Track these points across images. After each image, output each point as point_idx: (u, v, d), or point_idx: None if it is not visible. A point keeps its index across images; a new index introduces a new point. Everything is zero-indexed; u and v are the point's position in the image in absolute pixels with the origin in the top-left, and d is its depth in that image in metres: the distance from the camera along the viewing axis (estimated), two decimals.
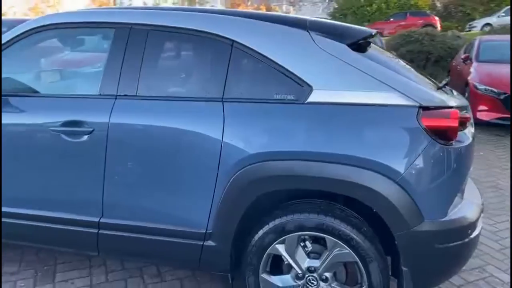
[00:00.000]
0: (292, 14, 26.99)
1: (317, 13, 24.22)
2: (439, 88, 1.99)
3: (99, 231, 2.06)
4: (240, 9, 22.01)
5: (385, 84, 1.78)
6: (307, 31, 1.91)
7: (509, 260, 2.64)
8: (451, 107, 1.78)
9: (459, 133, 1.81)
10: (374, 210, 1.75)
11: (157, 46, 2.01)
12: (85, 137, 1.97)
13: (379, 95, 1.77)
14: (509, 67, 6.04)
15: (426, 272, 1.82)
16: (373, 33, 2.03)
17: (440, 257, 1.77)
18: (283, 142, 1.80)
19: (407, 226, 1.71)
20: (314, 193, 1.84)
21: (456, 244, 1.77)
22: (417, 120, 1.71)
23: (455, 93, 2.15)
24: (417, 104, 1.74)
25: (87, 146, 1.98)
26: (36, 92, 2.22)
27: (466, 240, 1.80)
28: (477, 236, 1.88)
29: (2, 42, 2.15)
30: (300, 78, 1.82)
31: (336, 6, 21.88)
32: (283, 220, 1.84)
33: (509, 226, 3.07)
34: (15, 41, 2.15)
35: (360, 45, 1.95)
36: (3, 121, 2.06)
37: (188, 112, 1.91)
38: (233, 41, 1.90)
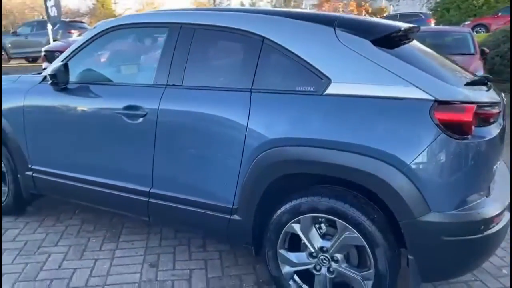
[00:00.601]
0: (389, 9, 26.00)
1: (415, 8, 22.98)
2: (469, 84, 1.97)
3: (149, 200, 2.43)
4: (327, 5, 21.79)
5: (402, 79, 1.85)
6: (333, 28, 2.04)
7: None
8: (469, 102, 1.78)
9: (479, 128, 1.81)
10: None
11: (200, 42, 2.30)
12: (140, 120, 2.34)
13: (395, 89, 1.85)
14: None
15: (433, 263, 1.85)
16: (401, 29, 2.08)
17: (447, 249, 1.79)
18: (300, 129, 1.97)
19: (412, 215, 1.77)
20: (329, 178, 1.98)
21: (465, 238, 1.78)
22: (429, 113, 1.76)
23: (491, 88, 2.09)
24: (433, 98, 1.78)
25: (141, 127, 2.35)
26: (108, 80, 2.66)
27: (478, 236, 1.79)
28: (496, 233, 1.85)
29: (86, 39, 2.64)
30: (320, 71, 1.97)
31: (438, 0, 20.47)
32: (299, 201, 2.01)
33: None
34: (94, 39, 2.62)
35: (387, 40, 2.02)
36: (85, 104, 2.55)
37: (221, 101, 2.17)
38: (263, 37, 2.12)
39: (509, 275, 2.42)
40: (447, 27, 12.64)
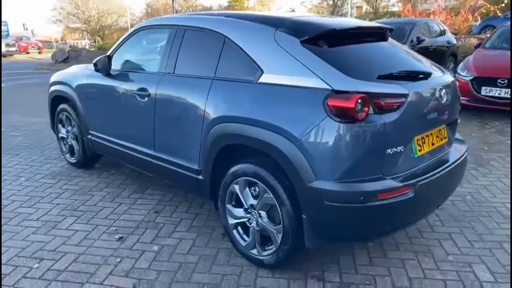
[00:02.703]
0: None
1: None
2: (381, 77, 2.27)
3: (152, 160, 3.20)
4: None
5: (312, 72, 2.25)
6: (276, 28, 2.50)
7: None
8: (359, 92, 2.11)
9: (375, 115, 2.12)
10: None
11: (188, 40, 2.94)
12: (146, 99, 3.11)
13: (305, 80, 2.25)
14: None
15: (321, 224, 2.24)
16: (335, 29, 2.43)
17: (329, 212, 2.15)
18: (237, 110, 2.50)
19: (303, 181, 2.19)
20: (256, 149, 2.46)
21: (344, 205, 2.13)
22: (323, 100, 2.14)
23: (402, 82, 2.30)
24: (330, 88, 2.16)
25: (146, 105, 3.11)
26: (133, 68, 3.48)
27: (358, 205, 2.12)
28: (382, 206, 2.14)
29: (124, 37, 3.51)
30: (257, 64, 2.47)
31: None
32: (237, 167, 2.55)
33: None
34: (129, 37, 3.48)
35: (319, 39, 2.41)
36: (117, 86, 3.42)
37: (194, 86, 2.80)
38: (225, 36, 2.68)
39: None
40: None
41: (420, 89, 2.38)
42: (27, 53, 31.17)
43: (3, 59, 24.47)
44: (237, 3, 44.26)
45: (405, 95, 2.23)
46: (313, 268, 2.57)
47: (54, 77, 4.43)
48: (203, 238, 2.95)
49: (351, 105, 2.08)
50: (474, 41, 11.23)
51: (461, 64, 6.85)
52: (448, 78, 2.74)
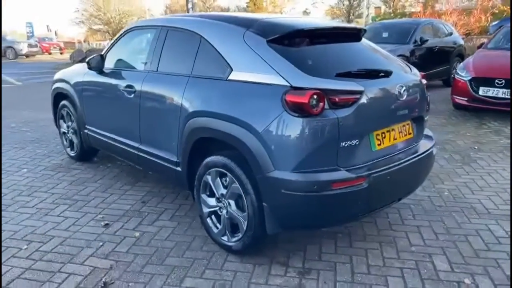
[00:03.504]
0: None
1: None
2: (339, 75, 2.41)
3: (138, 153, 3.40)
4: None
5: (274, 69, 2.40)
6: (246, 29, 2.67)
7: None
8: (314, 89, 2.25)
9: (331, 110, 2.27)
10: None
11: (169, 39, 3.14)
12: (132, 95, 3.31)
13: (268, 77, 2.41)
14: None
15: (280, 211, 2.39)
16: (298, 29, 2.58)
17: (286, 200, 2.30)
18: (208, 105, 2.68)
19: (262, 171, 2.35)
20: (225, 142, 2.63)
21: (299, 194, 2.27)
22: (281, 95, 2.30)
23: (360, 80, 2.43)
24: (289, 85, 2.31)
25: (133, 100, 3.32)
26: (123, 67, 3.69)
27: (312, 194, 2.26)
28: (336, 196, 2.28)
29: (115, 38, 3.73)
30: (227, 62, 2.64)
31: None
32: (209, 159, 2.73)
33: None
34: (120, 38, 3.70)
35: (284, 38, 2.56)
36: (108, 83, 3.64)
37: (173, 82, 2.98)
38: (201, 36, 2.86)
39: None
40: None
41: (378, 86, 2.51)
42: (49, 53, 32.05)
43: (25, 59, 25.34)
44: (255, 4, 44.56)
45: (360, 92, 2.37)
46: (279, 254, 2.73)
47: (56, 75, 4.70)
48: (183, 227, 3.13)
49: (305, 100, 2.23)
50: (485, 41, 11.13)
51: (460, 64, 6.87)
52: (413, 77, 2.86)
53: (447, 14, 14.89)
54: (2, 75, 14.78)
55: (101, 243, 2.89)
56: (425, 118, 2.97)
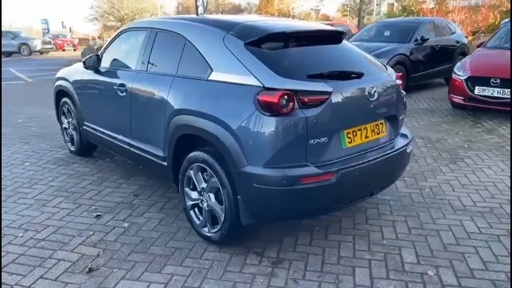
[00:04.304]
0: None
1: None
2: (310, 76, 2.55)
3: (130, 149, 3.59)
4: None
5: (249, 71, 2.55)
6: (227, 32, 2.82)
7: None
8: (285, 89, 2.40)
9: (301, 109, 2.41)
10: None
11: (158, 41, 3.31)
12: (124, 93, 3.50)
13: (243, 78, 2.56)
14: None
15: (254, 204, 2.55)
16: (274, 32, 2.73)
17: (258, 194, 2.46)
18: (189, 103, 2.84)
19: (237, 166, 2.51)
20: (203, 139, 2.79)
21: (269, 188, 2.43)
22: (254, 95, 2.45)
23: (330, 81, 2.56)
24: (262, 85, 2.46)
25: (124, 98, 3.50)
26: (117, 66, 3.87)
27: (282, 188, 2.41)
28: (305, 190, 2.42)
29: (111, 38, 3.91)
30: (208, 63, 2.80)
31: None
32: (191, 154, 2.90)
33: None
34: (115, 38, 3.88)
35: (261, 41, 2.71)
36: (103, 81, 3.83)
37: (159, 82, 3.16)
38: (185, 38, 3.02)
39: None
40: None
41: (348, 87, 2.64)
42: (63, 50, 32.62)
43: (39, 55, 25.84)
44: (268, 1, 44.61)
45: (328, 93, 2.50)
46: (256, 245, 2.88)
47: (58, 73, 4.91)
48: (170, 218, 3.31)
49: (275, 100, 2.38)
50: (485, 40, 11.08)
51: (458, 64, 6.92)
52: (387, 77, 2.98)
53: (454, 12, 14.83)
54: (14, 71, 15.21)
55: (91, 233, 3.09)
56: (400, 117, 3.09)
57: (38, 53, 26.58)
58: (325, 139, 2.52)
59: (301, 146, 2.46)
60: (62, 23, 50.98)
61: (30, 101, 8.52)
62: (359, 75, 2.76)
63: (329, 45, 3.05)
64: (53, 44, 30.11)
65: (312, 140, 2.47)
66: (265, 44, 2.72)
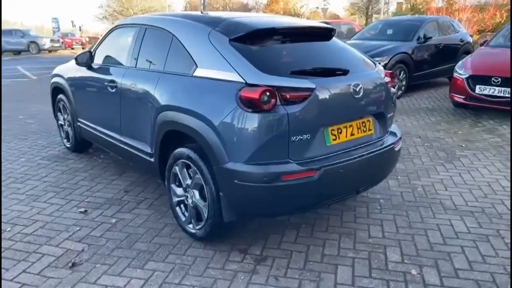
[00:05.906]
0: None
1: None
2: (294, 73, 2.53)
3: (120, 145, 3.60)
4: None
5: (232, 67, 2.54)
6: (213, 28, 2.81)
7: None
8: (266, 86, 2.38)
9: (282, 106, 2.39)
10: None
11: (146, 37, 3.31)
12: (114, 89, 3.51)
13: (227, 74, 2.55)
14: None
15: (235, 200, 2.53)
16: (258, 29, 2.71)
17: (239, 190, 2.45)
18: (174, 99, 2.84)
19: (219, 163, 2.50)
20: (187, 135, 2.78)
21: (249, 184, 2.41)
22: (236, 91, 2.43)
23: (313, 78, 2.53)
24: (244, 81, 2.45)
25: (115, 94, 3.51)
26: (108, 63, 3.88)
27: (263, 184, 2.40)
28: (286, 186, 2.40)
29: (104, 35, 3.92)
30: (193, 59, 2.79)
31: None
32: (176, 151, 2.89)
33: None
34: (107, 35, 3.90)
35: (247, 38, 2.69)
36: (95, 78, 3.84)
37: (146, 78, 3.16)
38: (172, 34, 3.02)
39: None
40: None
41: (332, 84, 2.61)
42: (72, 48, 32.90)
43: (48, 54, 26.08)
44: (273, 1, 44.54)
45: (311, 89, 2.48)
46: (241, 242, 2.87)
47: (54, 70, 4.94)
48: (158, 215, 3.31)
49: (256, 96, 2.36)
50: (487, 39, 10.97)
51: (459, 62, 6.83)
52: (375, 74, 2.94)
53: (461, 10, 14.67)
54: (20, 68, 15.37)
55: (78, 228, 3.10)
56: (389, 115, 3.05)
57: (47, 52, 26.83)
58: (308, 136, 2.50)
59: (283, 143, 2.44)
60: (72, 22, 51.47)
61: (32, 98, 8.59)
62: (345, 72, 2.74)
63: (317, 42, 3.03)
64: (62, 42, 30.38)
65: (294, 137, 2.45)
66: (250, 41, 2.70)
